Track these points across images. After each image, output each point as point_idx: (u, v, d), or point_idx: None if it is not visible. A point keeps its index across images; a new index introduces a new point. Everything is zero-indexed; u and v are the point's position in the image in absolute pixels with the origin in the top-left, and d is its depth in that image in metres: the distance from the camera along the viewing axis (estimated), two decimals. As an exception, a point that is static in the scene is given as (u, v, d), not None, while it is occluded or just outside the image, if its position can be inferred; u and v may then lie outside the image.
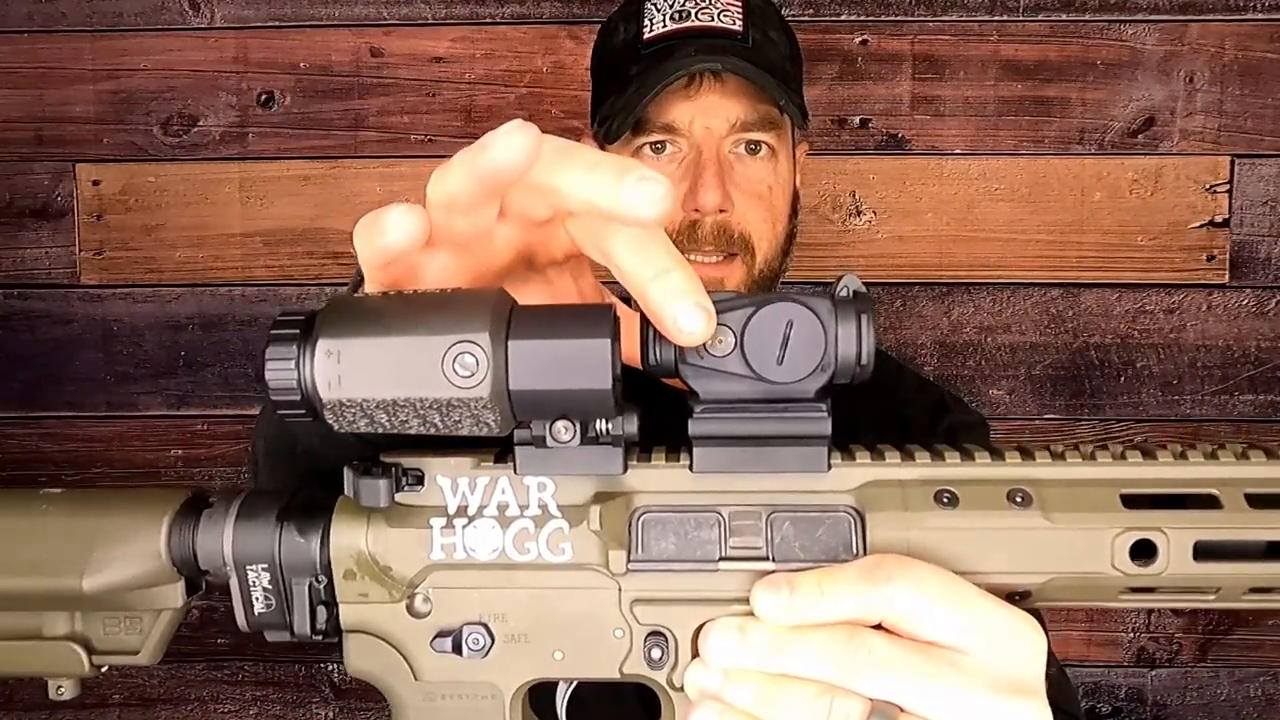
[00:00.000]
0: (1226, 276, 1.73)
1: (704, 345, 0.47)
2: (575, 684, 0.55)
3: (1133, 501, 0.49)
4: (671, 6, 1.15)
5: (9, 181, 1.78)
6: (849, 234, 1.75)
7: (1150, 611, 1.80)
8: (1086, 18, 1.70)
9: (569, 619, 0.51)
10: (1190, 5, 1.69)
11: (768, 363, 0.47)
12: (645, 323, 0.48)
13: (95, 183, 1.78)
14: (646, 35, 1.14)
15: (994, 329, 1.76)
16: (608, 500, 0.50)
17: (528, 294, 0.55)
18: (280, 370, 0.45)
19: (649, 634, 0.51)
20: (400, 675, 0.52)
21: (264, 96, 1.76)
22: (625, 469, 0.50)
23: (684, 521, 0.50)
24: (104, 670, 0.55)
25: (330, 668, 1.83)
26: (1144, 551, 0.48)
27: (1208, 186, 1.72)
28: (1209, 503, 0.49)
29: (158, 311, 1.79)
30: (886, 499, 0.49)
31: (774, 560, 0.49)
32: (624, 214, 0.43)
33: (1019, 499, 0.49)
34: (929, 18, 1.71)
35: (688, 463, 0.50)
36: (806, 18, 1.71)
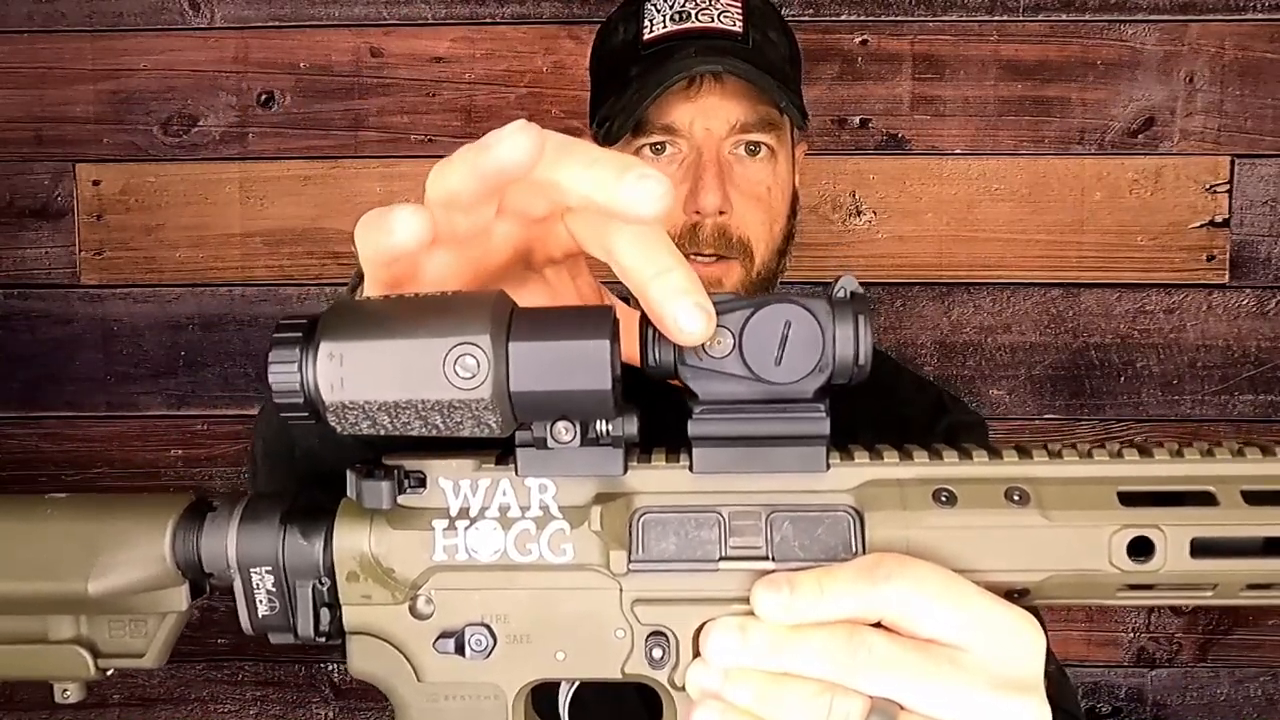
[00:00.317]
0: (1226, 276, 1.73)
1: (703, 346, 0.47)
2: (577, 684, 0.55)
3: (1130, 499, 0.49)
4: (671, 7, 1.15)
5: (9, 181, 1.78)
6: (849, 234, 1.75)
7: (1150, 611, 1.80)
8: (1086, 18, 1.70)
9: (571, 619, 0.51)
10: (1190, 5, 1.69)
11: (766, 363, 0.47)
12: (645, 324, 0.48)
13: (95, 183, 1.78)
14: (646, 36, 1.14)
15: (994, 329, 1.76)
16: (608, 501, 0.50)
17: (526, 292, 0.55)
18: (283, 374, 0.45)
19: (650, 634, 0.51)
20: (403, 677, 0.52)
21: (264, 96, 1.77)
22: (626, 470, 0.50)
23: (684, 522, 0.50)
24: (109, 673, 0.55)
25: (330, 668, 1.83)
26: (1141, 549, 0.49)
27: (1208, 186, 1.72)
28: (1206, 500, 0.49)
29: (158, 311, 1.79)
30: (885, 498, 0.50)
31: (774, 560, 0.49)
32: (623, 211, 0.43)
33: (1017, 497, 0.49)
34: (929, 18, 1.71)
35: (687, 463, 0.51)
36: (806, 18, 1.71)
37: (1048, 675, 0.49)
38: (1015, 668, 0.47)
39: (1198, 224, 1.72)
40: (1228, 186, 1.71)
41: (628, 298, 0.50)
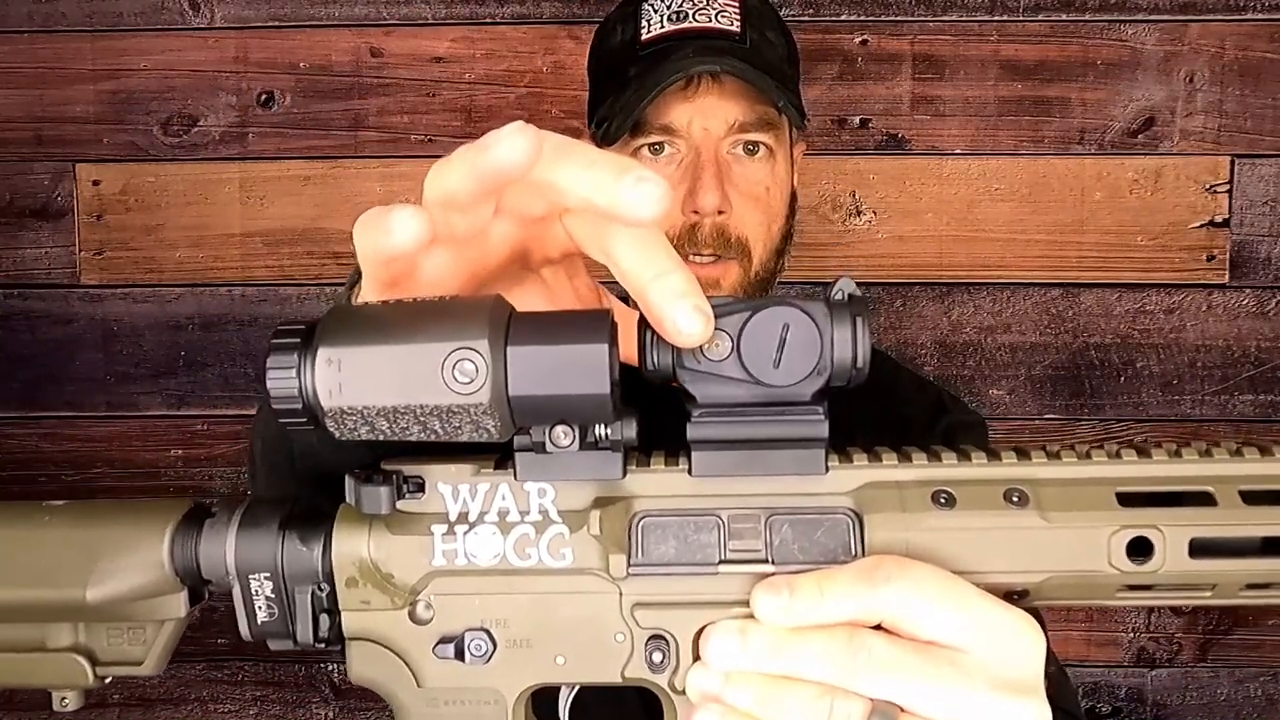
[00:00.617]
0: (1226, 276, 1.73)
1: (701, 349, 0.47)
2: (577, 688, 0.55)
3: (1128, 500, 0.49)
4: (669, 7, 1.15)
5: (9, 181, 1.78)
6: (849, 234, 1.75)
7: (1150, 611, 1.80)
8: (1086, 18, 1.70)
9: (570, 624, 0.51)
10: (1190, 5, 1.69)
11: (764, 366, 0.47)
12: (643, 326, 0.48)
13: (95, 183, 1.78)
14: (644, 36, 1.14)
15: (994, 329, 1.76)
16: (607, 505, 0.50)
17: (523, 293, 0.55)
18: (281, 379, 0.45)
19: (650, 637, 0.51)
20: (403, 682, 0.52)
21: (264, 96, 1.76)
22: (625, 473, 0.50)
23: (684, 525, 0.50)
24: (107, 681, 0.55)
25: (330, 668, 1.83)
26: (1140, 549, 0.49)
27: (1208, 186, 1.72)
28: (1204, 500, 0.49)
29: (158, 311, 1.79)
30: (884, 500, 0.50)
31: (773, 563, 0.49)
32: (622, 213, 0.43)
33: (1016, 499, 0.49)
34: (929, 18, 1.71)
35: (686, 467, 0.51)
36: (806, 18, 1.71)
37: (1048, 676, 0.49)
38: (1015, 669, 0.47)
39: (1198, 224, 1.72)
40: (1228, 186, 1.71)
41: (626, 298, 0.50)
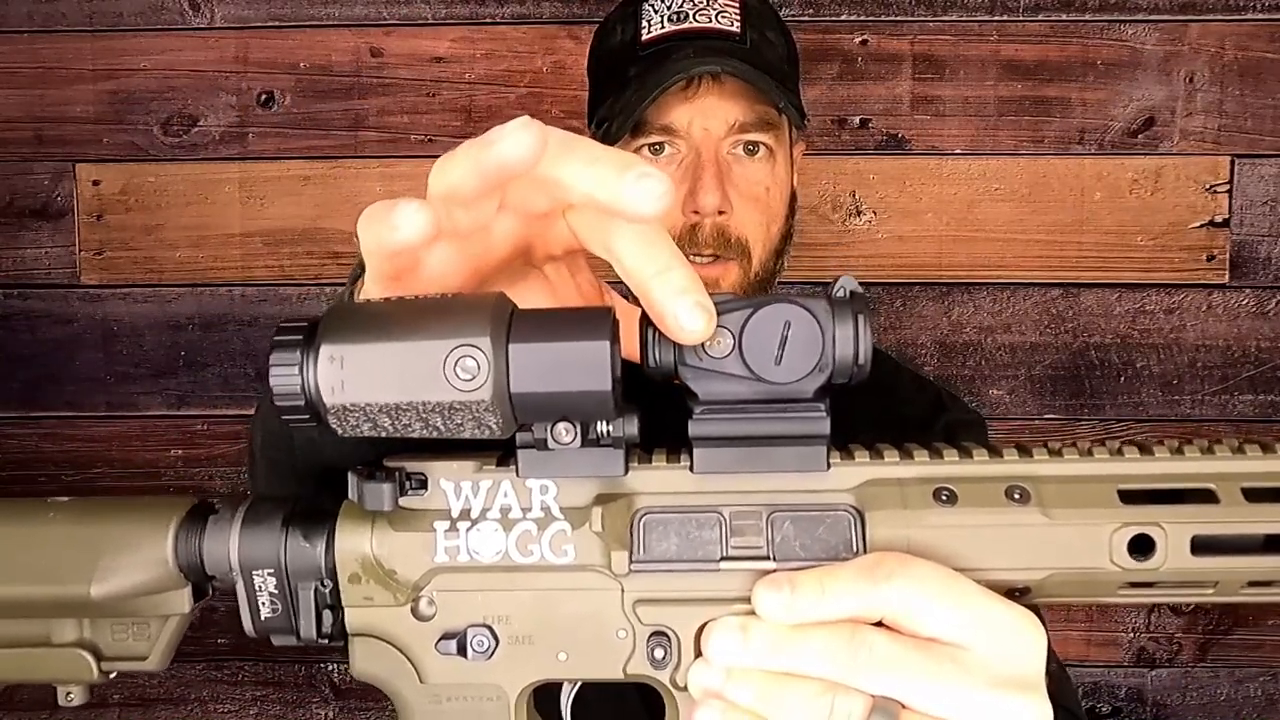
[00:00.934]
0: (1226, 276, 1.73)
1: (703, 346, 0.47)
2: (579, 684, 0.55)
3: (1130, 497, 0.49)
4: (669, 8, 1.15)
5: (9, 181, 1.78)
6: (849, 234, 1.75)
7: (1150, 611, 1.80)
8: (1086, 18, 1.70)
9: (572, 620, 0.51)
10: (1190, 5, 1.69)
11: (766, 364, 0.47)
12: (645, 324, 0.48)
13: (95, 183, 1.78)
14: (645, 37, 1.14)
15: (994, 329, 1.76)
16: (609, 502, 0.51)
17: (525, 288, 0.55)
18: (284, 376, 0.45)
19: (652, 634, 0.51)
20: (405, 678, 0.52)
21: (264, 96, 1.77)
22: (627, 470, 0.50)
23: (685, 522, 0.50)
24: (112, 676, 0.55)
25: (330, 668, 1.83)
26: (1142, 546, 0.49)
27: (1208, 186, 1.72)
28: (1206, 497, 0.49)
29: (158, 311, 1.79)
30: (886, 497, 0.50)
31: (775, 559, 0.49)
32: (624, 210, 0.44)
33: (1017, 496, 0.49)
34: (929, 18, 1.71)
35: (688, 463, 0.51)
36: (806, 18, 1.71)
37: (1049, 674, 0.49)
38: (1016, 666, 0.47)
39: (1198, 224, 1.72)
40: (1228, 186, 1.72)
41: (628, 295, 0.50)
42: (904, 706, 0.47)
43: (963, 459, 0.51)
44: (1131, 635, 1.81)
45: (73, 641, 0.54)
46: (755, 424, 0.49)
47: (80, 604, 0.53)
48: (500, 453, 0.52)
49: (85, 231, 1.78)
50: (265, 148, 1.77)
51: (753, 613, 0.48)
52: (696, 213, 1.10)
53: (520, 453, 0.50)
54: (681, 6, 1.15)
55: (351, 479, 0.51)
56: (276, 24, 1.76)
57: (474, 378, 0.43)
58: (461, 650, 0.51)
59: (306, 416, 0.46)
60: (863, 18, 1.72)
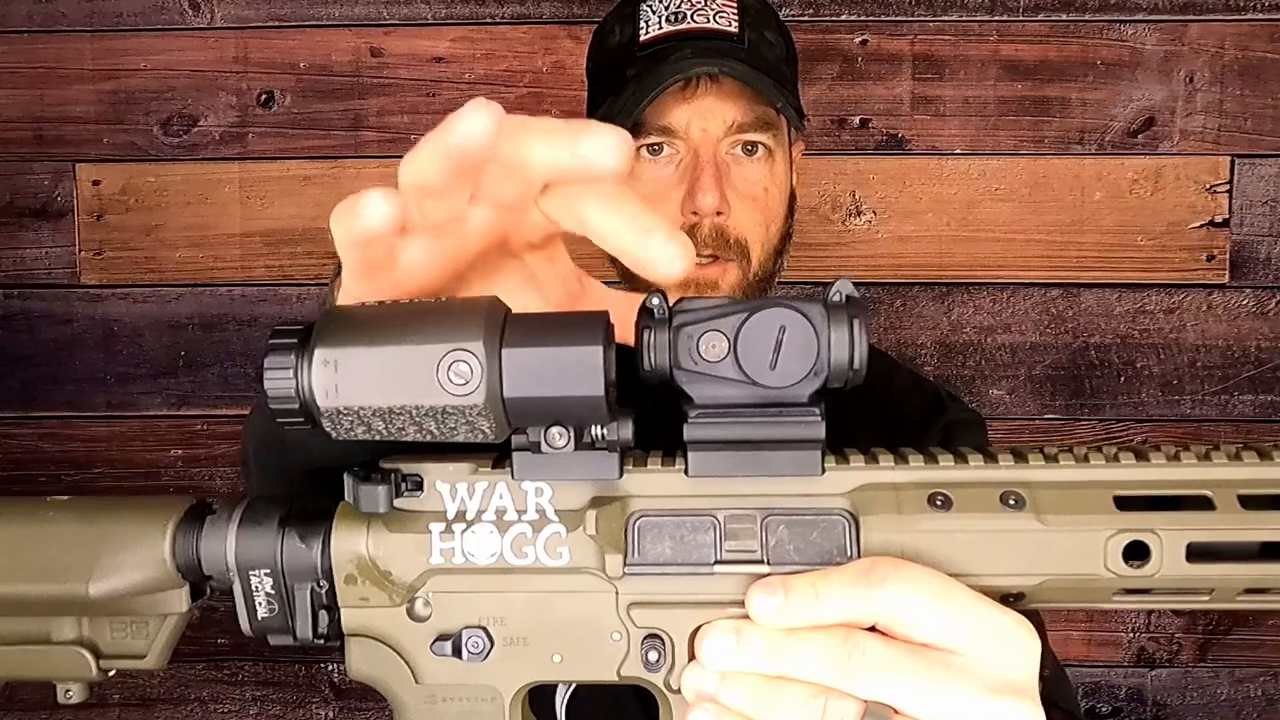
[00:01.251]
0: (1226, 276, 1.73)
1: (698, 350, 0.48)
2: (574, 686, 0.56)
3: (1126, 503, 0.49)
4: (667, 8, 1.15)
5: (9, 181, 1.78)
6: (849, 234, 1.75)
7: (1150, 611, 1.80)
8: (1086, 18, 1.70)
9: (567, 622, 0.51)
10: (1190, 5, 1.69)
11: (761, 368, 0.47)
12: (640, 329, 0.48)
13: (95, 183, 1.78)
14: (643, 37, 1.14)
15: (994, 329, 1.76)
16: (604, 505, 0.51)
17: (505, 279, 0.56)
18: (278, 380, 0.45)
19: (646, 637, 0.51)
20: (401, 678, 0.53)
21: (264, 96, 1.77)
22: (621, 473, 0.50)
23: (680, 525, 0.50)
24: (111, 674, 0.56)
25: (330, 668, 1.84)
26: (1137, 553, 0.49)
27: (1208, 186, 1.72)
28: (1202, 504, 0.49)
29: (158, 311, 1.80)
30: (880, 502, 0.50)
31: (769, 563, 0.50)
32: (587, 167, 0.45)
33: (1012, 501, 0.49)
34: (929, 18, 1.71)
35: (683, 467, 0.51)
36: (806, 18, 1.71)
37: (1045, 677, 0.49)
38: (1009, 671, 0.47)
39: (1198, 224, 1.72)
40: (1228, 186, 1.71)
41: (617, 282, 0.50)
42: (896, 711, 0.47)
43: (958, 464, 0.51)
44: (1131, 635, 1.81)
45: (72, 639, 0.55)
46: (750, 428, 0.49)
47: (79, 602, 0.53)
48: (496, 454, 0.52)
49: (85, 231, 1.78)
50: (265, 148, 1.77)
51: (747, 616, 0.48)
52: (695, 213, 1.10)
53: (515, 455, 0.50)
54: (679, 7, 1.15)
55: (347, 481, 0.51)
56: (276, 24, 1.76)
57: (467, 382, 0.44)
58: (457, 651, 0.52)
59: (301, 420, 0.46)
60: (863, 18, 1.72)
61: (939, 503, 0.49)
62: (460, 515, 0.51)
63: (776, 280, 1.19)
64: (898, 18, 1.72)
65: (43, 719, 1.78)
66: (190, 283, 1.79)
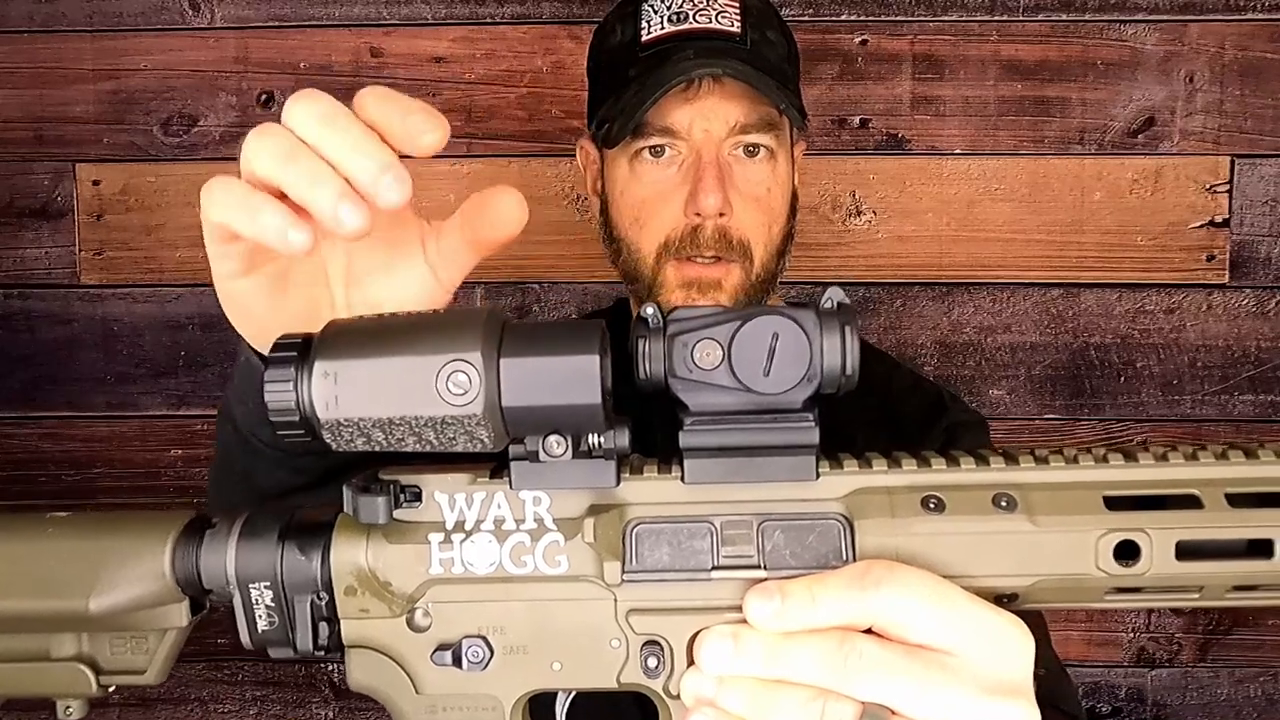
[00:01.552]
0: (1226, 276, 1.73)
1: (693, 358, 0.48)
2: (574, 693, 0.56)
3: (1116, 503, 0.50)
4: (669, 8, 1.14)
5: (9, 181, 1.78)
6: (849, 234, 1.75)
7: (1150, 611, 1.80)
8: (1086, 18, 1.70)
9: (566, 630, 0.52)
10: (1190, 5, 1.69)
11: (755, 375, 0.48)
12: (637, 338, 0.48)
13: (95, 183, 1.78)
14: (644, 37, 1.14)
15: (994, 329, 1.76)
16: (602, 512, 0.51)
17: (345, 250, 0.62)
18: (279, 392, 0.46)
19: (645, 643, 0.52)
20: (402, 689, 0.53)
21: (264, 96, 1.76)
22: (619, 481, 0.51)
23: (677, 532, 0.51)
24: (111, 690, 0.56)
25: (330, 668, 1.84)
26: (1127, 552, 0.49)
27: (1208, 186, 1.72)
28: (1191, 503, 0.50)
29: (158, 311, 1.79)
30: (874, 506, 0.50)
31: (766, 568, 0.50)
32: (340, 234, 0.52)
33: (1004, 503, 0.50)
34: (929, 18, 1.71)
35: (679, 474, 0.51)
36: (806, 18, 1.71)
37: (1048, 673, 0.50)
38: (1004, 672, 0.48)
39: (1198, 224, 1.72)
40: (1228, 186, 1.71)
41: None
42: (893, 712, 0.47)
43: (950, 467, 0.51)
44: (1131, 635, 1.81)
45: (72, 656, 0.55)
46: (745, 434, 0.50)
47: (79, 618, 0.53)
48: (494, 464, 0.52)
49: (85, 231, 1.78)
50: (265, 148, 1.76)
51: (744, 621, 0.49)
52: (698, 215, 1.10)
53: (513, 465, 0.50)
54: (681, 7, 1.14)
55: (346, 492, 0.51)
56: (276, 24, 1.76)
57: (466, 392, 0.44)
58: (457, 661, 0.52)
59: (301, 431, 0.46)
60: (863, 18, 1.72)
61: (932, 505, 0.50)
62: (459, 525, 0.51)
63: (778, 280, 1.19)
64: (898, 18, 1.71)
65: (43, 718, 1.77)
66: (190, 283, 1.78)
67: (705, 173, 1.10)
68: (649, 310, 0.49)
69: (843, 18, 1.72)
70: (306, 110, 0.51)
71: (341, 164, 0.50)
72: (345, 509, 0.51)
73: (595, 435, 0.49)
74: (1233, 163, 1.71)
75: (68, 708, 0.56)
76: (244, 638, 0.53)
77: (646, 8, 1.16)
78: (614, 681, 0.52)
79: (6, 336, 1.80)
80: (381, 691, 0.53)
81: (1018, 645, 0.48)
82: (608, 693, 0.53)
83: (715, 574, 0.50)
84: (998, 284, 1.75)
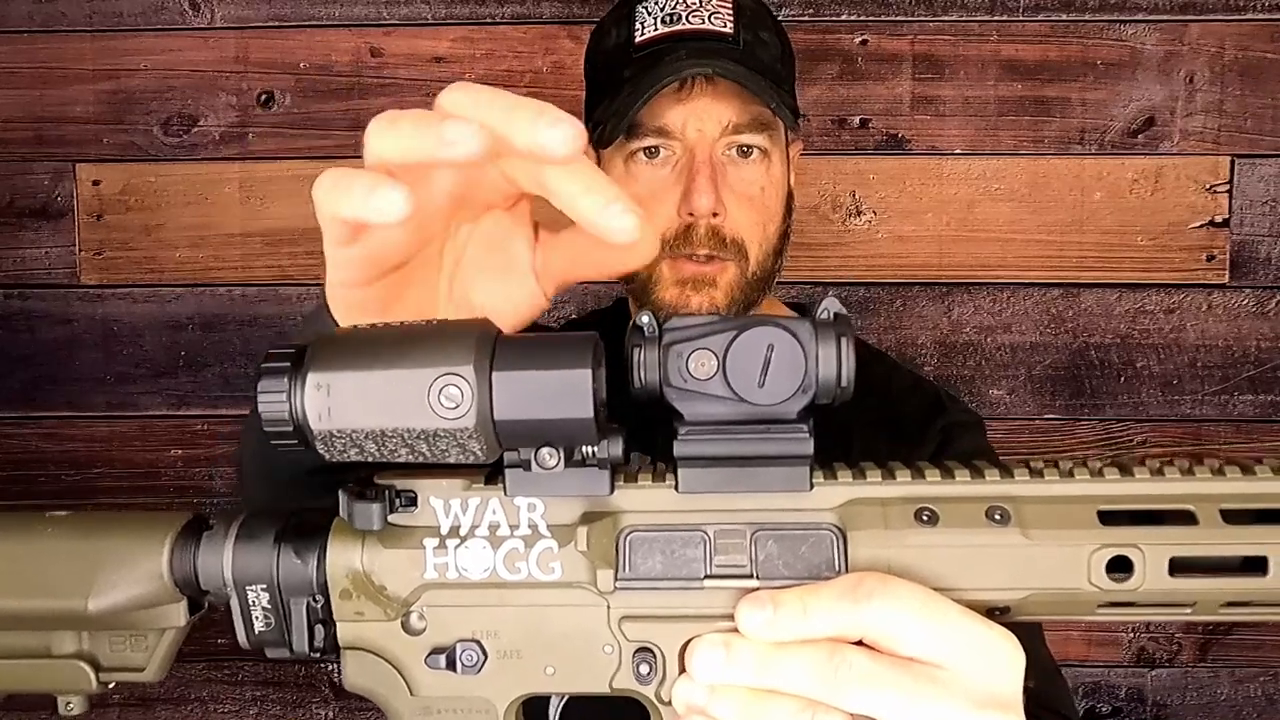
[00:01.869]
0: (1226, 276, 1.73)
1: (687, 368, 0.48)
2: (567, 698, 0.56)
3: (1110, 518, 0.50)
4: (662, 10, 1.15)
5: (9, 181, 1.78)
6: (849, 234, 1.75)
7: (1149, 612, 1.79)
8: (1086, 18, 1.70)
9: (560, 636, 0.52)
10: (1190, 5, 1.68)
11: (749, 385, 0.48)
12: (631, 346, 0.48)
13: (95, 183, 1.78)
14: (638, 39, 1.14)
15: (994, 329, 1.76)
16: (595, 520, 0.51)
17: (462, 240, 0.59)
18: (272, 402, 0.46)
19: (637, 650, 0.52)
20: (397, 691, 0.53)
21: (264, 96, 1.77)
22: (612, 490, 0.51)
23: (670, 540, 0.51)
24: (111, 687, 0.56)
25: (330, 668, 1.84)
26: (1120, 567, 0.49)
27: (1208, 186, 1.72)
28: (1185, 519, 0.50)
29: (158, 311, 1.80)
30: (868, 517, 0.50)
31: (758, 578, 0.50)
32: (542, 154, 0.46)
33: (998, 516, 0.50)
34: (929, 18, 1.71)
35: (673, 483, 0.51)
36: (806, 18, 1.71)
37: (1029, 689, 0.50)
38: (993, 685, 0.48)
39: (1198, 224, 1.72)
40: (1228, 186, 1.71)
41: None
42: None
43: (945, 479, 0.51)
44: (1131, 635, 1.81)
45: (72, 653, 0.55)
46: (739, 444, 0.50)
47: (78, 618, 0.54)
48: (489, 470, 0.52)
49: (85, 231, 1.79)
50: (265, 148, 1.77)
51: (736, 630, 0.49)
52: (691, 215, 1.10)
53: (508, 472, 0.51)
54: (674, 8, 1.15)
55: (342, 498, 0.51)
56: (276, 24, 1.76)
57: (458, 406, 0.45)
58: (451, 665, 0.52)
59: (294, 441, 0.47)
60: (863, 18, 1.72)
61: (925, 518, 0.50)
62: (454, 530, 0.52)
63: (775, 280, 1.19)
64: (898, 18, 1.71)
65: (43, 718, 1.78)
66: (190, 283, 1.79)
67: (698, 173, 1.10)
68: (644, 319, 0.49)
69: (843, 18, 1.72)
70: (453, 95, 0.49)
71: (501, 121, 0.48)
72: (341, 514, 0.52)
73: (588, 445, 0.49)
74: (1233, 163, 1.71)
75: (69, 703, 0.56)
76: (241, 638, 0.54)
77: (640, 10, 1.16)
78: (606, 687, 0.52)
79: (6, 336, 1.80)
80: (377, 692, 0.54)
81: (1008, 659, 0.48)
82: (601, 697, 0.53)
83: (708, 583, 0.50)
84: (998, 284, 1.75)
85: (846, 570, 0.50)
